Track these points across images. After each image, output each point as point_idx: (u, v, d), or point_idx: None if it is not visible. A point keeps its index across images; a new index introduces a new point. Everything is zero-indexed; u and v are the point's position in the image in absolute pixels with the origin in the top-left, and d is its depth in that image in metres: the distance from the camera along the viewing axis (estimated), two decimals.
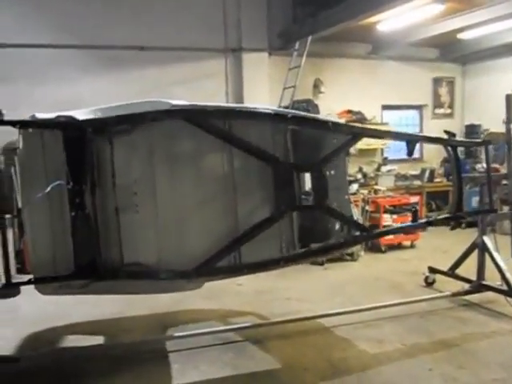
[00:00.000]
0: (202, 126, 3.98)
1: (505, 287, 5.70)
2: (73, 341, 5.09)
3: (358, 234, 4.83)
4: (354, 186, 9.47)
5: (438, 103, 12.56)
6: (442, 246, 8.89)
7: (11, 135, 3.84)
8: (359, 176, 10.57)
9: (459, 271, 6.35)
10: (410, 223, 5.75)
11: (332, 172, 4.69)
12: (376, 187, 10.10)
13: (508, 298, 5.61)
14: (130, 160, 3.94)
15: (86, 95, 8.24)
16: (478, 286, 6.01)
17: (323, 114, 9.22)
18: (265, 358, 4.66)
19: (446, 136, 5.31)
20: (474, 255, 6.15)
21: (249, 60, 9.91)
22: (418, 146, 12.07)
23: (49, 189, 3.61)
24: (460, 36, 10.29)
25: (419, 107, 12.48)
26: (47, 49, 8.54)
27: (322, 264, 7.91)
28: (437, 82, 12.45)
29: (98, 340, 5.11)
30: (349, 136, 4.61)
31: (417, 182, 11.15)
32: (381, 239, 8.75)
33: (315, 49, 9.47)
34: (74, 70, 8.78)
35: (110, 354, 4.84)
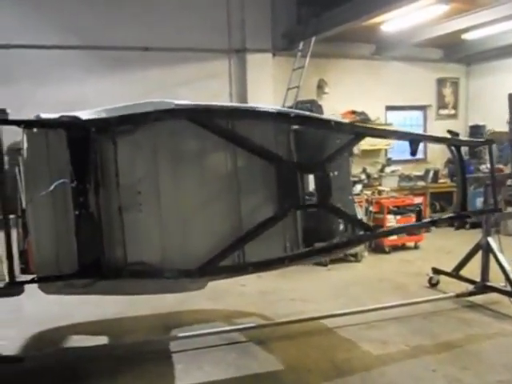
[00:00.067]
0: (205, 125, 3.99)
1: (509, 288, 5.68)
2: (76, 341, 5.10)
3: (362, 233, 4.82)
4: (358, 187, 9.47)
5: (442, 104, 12.54)
6: (445, 246, 8.88)
7: (15, 136, 3.86)
8: (363, 177, 10.57)
9: (463, 272, 6.33)
10: (414, 223, 5.73)
11: (336, 173, 4.68)
12: (380, 188, 10.10)
13: None
14: (134, 159, 3.95)
15: (90, 96, 8.27)
16: (482, 287, 5.98)
17: (327, 115, 9.20)
18: (268, 359, 4.66)
19: (449, 136, 5.29)
20: (478, 256, 6.13)
21: (253, 60, 9.92)
22: (421, 146, 12.14)
23: (52, 187, 3.62)
24: (464, 36, 10.27)
25: (423, 108, 12.47)
26: (51, 49, 8.57)
27: (325, 265, 7.90)
28: (441, 82, 12.43)
29: (102, 340, 5.11)
30: (352, 135, 4.61)
31: (421, 183, 11.14)
32: (384, 240, 8.75)
33: (319, 49, 9.48)
34: (78, 70, 8.81)
35: (114, 354, 4.84)
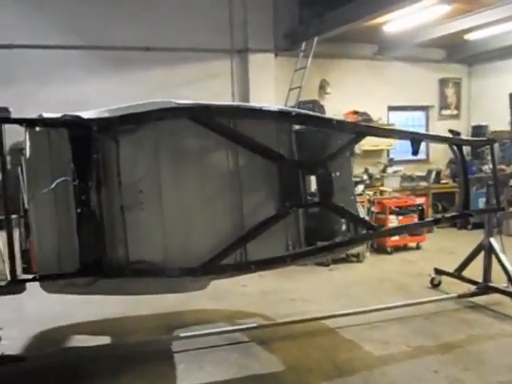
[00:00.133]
0: (206, 124, 3.99)
1: (511, 289, 5.68)
2: (78, 341, 5.11)
3: (364, 231, 4.82)
4: (360, 187, 9.45)
5: (444, 104, 12.53)
6: (448, 247, 8.87)
7: (17, 136, 3.86)
8: (365, 177, 10.55)
9: (465, 273, 6.32)
10: (417, 221, 5.72)
11: (337, 173, 4.68)
12: (382, 188, 10.09)
13: None
14: (136, 158, 3.96)
15: (92, 96, 8.27)
16: (485, 288, 5.97)
17: (329, 115, 9.20)
18: (270, 359, 4.66)
19: (450, 135, 5.29)
20: (481, 257, 6.12)
21: (255, 61, 9.93)
22: (424, 147, 12.13)
23: (54, 184, 3.63)
24: (467, 37, 10.26)
25: (425, 108, 12.46)
26: (53, 50, 8.58)
27: (327, 265, 7.89)
28: (443, 82, 12.41)
29: (103, 340, 5.12)
30: (353, 134, 4.61)
31: (423, 184, 11.13)
32: (386, 240, 8.75)
33: (321, 49, 9.47)
34: (80, 70, 8.82)
35: (116, 354, 4.84)
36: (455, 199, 10.27)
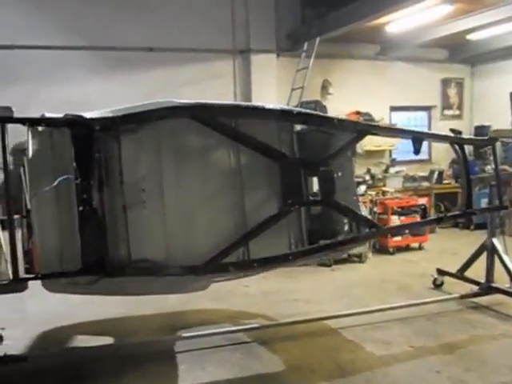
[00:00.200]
0: (207, 123, 4.00)
1: None
2: (81, 341, 5.12)
3: (367, 230, 4.81)
4: (362, 188, 9.44)
5: (446, 104, 12.50)
6: (450, 247, 8.86)
7: (20, 136, 3.87)
8: (367, 177, 10.54)
9: (468, 273, 6.31)
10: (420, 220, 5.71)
11: (339, 173, 4.68)
12: (384, 189, 10.08)
13: None
14: (138, 157, 3.96)
15: (94, 96, 8.29)
16: (487, 289, 5.97)
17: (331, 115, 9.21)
18: (272, 359, 4.66)
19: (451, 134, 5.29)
20: (483, 257, 6.11)
21: (257, 61, 9.92)
22: (426, 147, 12.10)
23: (56, 182, 3.64)
24: (469, 37, 10.24)
25: (428, 108, 12.43)
26: (55, 50, 8.59)
27: (329, 265, 7.89)
28: (445, 83, 12.39)
29: (106, 340, 5.12)
30: (354, 133, 4.61)
31: (425, 184, 11.11)
32: (389, 241, 8.74)
33: (323, 50, 9.47)
34: (82, 71, 8.83)
35: (118, 354, 4.85)
36: (458, 199, 10.26)
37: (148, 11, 9.14)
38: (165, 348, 4.92)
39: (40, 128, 3.74)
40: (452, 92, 12.51)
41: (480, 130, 11.67)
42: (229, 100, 9.56)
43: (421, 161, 11.83)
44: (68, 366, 4.55)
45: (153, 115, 3.84)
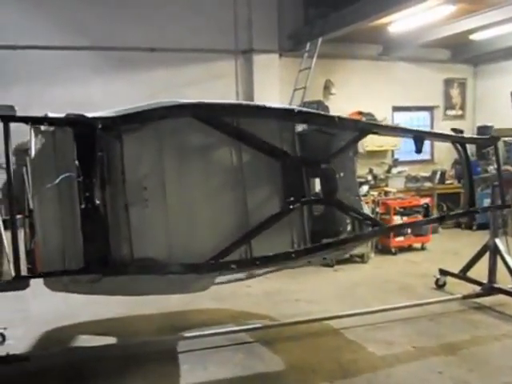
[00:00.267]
0: (208, 122, 4.01)
1: None
2: (83, 340, 5.12)
3: (369, 228, 4.80)
4: (365, 188, 9.43)
5: (449, 104, 12.50)
6: (452, 248, 8.85)
7: (22, 137, 3.88)
8: (369, 178, 10.53)
9: (470, 274, 6.30)
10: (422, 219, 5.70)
11: (341, 174, 4.67)
12: (386, 189, 10.08)
13: None
14: (140, 155, 3.97)
15: (97, 96, 8.31)
16: (490, 289, 5.96)
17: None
18: (274, 360, 4.66)
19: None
20: (486, 258, 6.10)
21: (259, 61, 9.94)
22: (428, 147, 12.09)
23: (58, 180, 3.64)
24: (472, 37, 10.24)
25: (430, 109, 12.44)
26: (58, 50, 8.61)
27: (331, 266, 7.88)
28: (448, 83, 12.39)
29: (108, 340, 5.12)
30: (355, 132, 4.62)
31: (427, 184, 11.10)
32: (391, 241, 8.73)
33: (326, 50, 9.47)
34: (85, 71, 8.85)
35: (120, 354, 4.85)
36: (460, 200, 10.24)
37: (150, 11, 9.16)
38: (167, 348, 4.92)
39: (43, 128, 3.75)
40: (455, 92, 12.51)
41: (483, 130, 11.65)
42: (231, 100, 9.56)
43: (423, 161, 11.85)
44: (70, 366, 4.55)
45: (155, 114, 3.85)
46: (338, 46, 10.30)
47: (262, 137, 4.17)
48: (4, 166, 3.62)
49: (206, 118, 4.01)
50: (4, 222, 4.15)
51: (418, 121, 12.36)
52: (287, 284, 6.78)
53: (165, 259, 3.91)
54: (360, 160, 9.55)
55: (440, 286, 6.61)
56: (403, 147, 10.83)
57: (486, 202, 7.60)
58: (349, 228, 4.82)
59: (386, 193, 9.74)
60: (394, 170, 11.13)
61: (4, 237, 4.18)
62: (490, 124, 11.60)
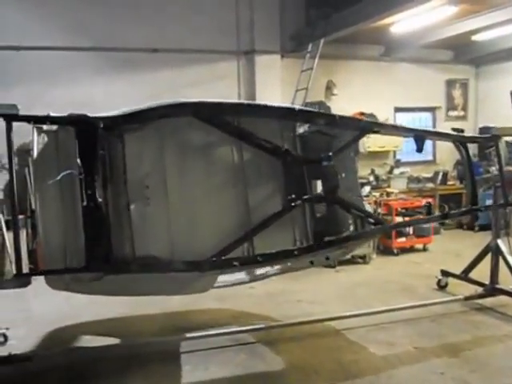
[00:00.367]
0: (209, 120, 4.02)
1: None
2: (85, 341, 5.13)
3: (372, 227, 4.80)
4: (367, 189, 9.43)
5: (451, 105, 12.49)
6: (454, 249, 8.84)
7: (24, 137, 3.89)
8: (371, 178, 10.54)
9: (472, 275, 6.29)
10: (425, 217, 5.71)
11: (343, 174, 4.67)
12: (388, 190, 10.06)
13: None
14: (142, 154, 3.98)
15: (99, 97, 8.32)
16: (492, 290, 5.95)
17: None
18: (276, 360, 4.66)
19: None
20: (488, 259, 6.09)
21: (261, 62, 9.94)
22: (430, 148, 12.06)
23: (60, 176, 3.65)
24: (474, 38, 10.23)
25: (432, 109, 12.42)
26: (61, 51, 8.62)
27: (333, 266, 7.88)
28: (450, 84, 12.38)
29: (110, 340, 5.12)
30: (356, 131, 4.62)
31: (430, 185, 11.09)
32: (393, 242, 8.73)
33: (328, 51, 9.47)
34: (87, 72, 8.85)
35: (122, 354, 4.86)
36: (462, 201, 10.23)
37: (153, 12, 9.17)
38: (169, 348, 4.93)
39: (45, 127, 3.76)
40: (457, 93, 12.49)
41: (484, 130, 11.58)
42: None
43: (425, 162, 11.84)
44: (72, 366, 4.56)
45: (156, 113, 3.86)
46: (339, 46, 10.29)
47: (263, 136, 4.18)
48: (6, 166, 3.63)
49: (207, 117, 4.02)
50: (6, 222, 4.16)
51: (420, 122, 12.34)
52: (289, 285, 6.77)
53: (167, 257, 3.91)
54: (362, 161, 9.54)
55: (442, 286, 6.60)
56: (405, 148, 10.83)
57: (488, 203, 7.58)
58: (351, 228, 4.82)
59: (388, 193, 9.72)
60: (396, 171, 11.14)
61: (6, 237, 4.19)
62: (492, 125, 11.56)
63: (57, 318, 5.63)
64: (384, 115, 11.00)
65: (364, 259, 8.25)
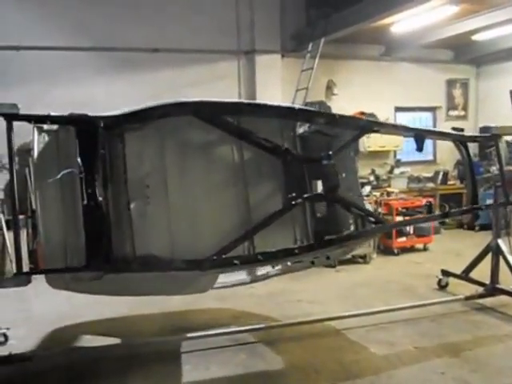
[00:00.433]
0: (209, 120, 4.02)
1: None
2: (85, 340, 5.13)
3: (372, 225, 4.80)
4: (367, 188, 9.43)
5: (451, 105, 12.48)
6: (455, 249, 8.84)
7: (24, 138, 3.89)
8: (372, 178, 10.54)
9: (473, 274, 6.29)
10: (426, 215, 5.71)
11: (343, 174, 4.67)
12: (389, 189, 10.06)
13: None
14: (142, 153, 3.97)
15: (100, 97, 8.32)
16: (492, 290, 5.95)
17: None
18: (276, 360, 4.66)
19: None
20: (488, 258, 6.09)
21: (261, 62, 9.94)
22: (431, 148, 12.05)
23: (60, 175, 3.65)
24: (474, 37, 10.23)
25: (433, 109, 12.42)
26: (61, 51, 8.62)
27: (333, 266, 7.88)
28: (450, 83, 12.38)
29: (111, 340, 5.12)
30: (356, 130, 4.62)
31: (430, 185, 11.09)
32: (393, 242, 8.73)
33: (328, 50, 9.47)
34: (88, 72, 8.85)
35: (122, 354, 4.86)
36: (462, 200, 10.23)
37: (153, 12, 9.16)
38: (169, 348, 4.93)
39: (45, 127, 3.76)
40: (457, 93, 12.49)
41: (485, 130, 11.59)
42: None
43: (426, 162, 11.84)
44: (72, 366, 4.56)
45: (156, 113, 3.86)
46: (340, 46, 10.30)
47: (263, 135, 4.18)
48: (7, 166, 3.63)
49: (207, 117, 4.03)
50: (7, 222, 4.16)
51: (420, 121, 12.34)
52: (289, 285, 6.77)
53: (167, 256, 3.91)
54: (362, 160, 9.56)
55: (442, 286, 6.60)
56: (405, 148, 10.83)
57: (489, 203, 7.58)
58: (352, 227, 4.82)
59: (389, 193, 9.72)
60: (397, 171, 11.14)
61: (7, 237, 4.19)
62: (492, 125, 11.56)
63: (57, 318, 5.63)
64: (384, 115, 11.00)
65: (364, 259, 8.25)
